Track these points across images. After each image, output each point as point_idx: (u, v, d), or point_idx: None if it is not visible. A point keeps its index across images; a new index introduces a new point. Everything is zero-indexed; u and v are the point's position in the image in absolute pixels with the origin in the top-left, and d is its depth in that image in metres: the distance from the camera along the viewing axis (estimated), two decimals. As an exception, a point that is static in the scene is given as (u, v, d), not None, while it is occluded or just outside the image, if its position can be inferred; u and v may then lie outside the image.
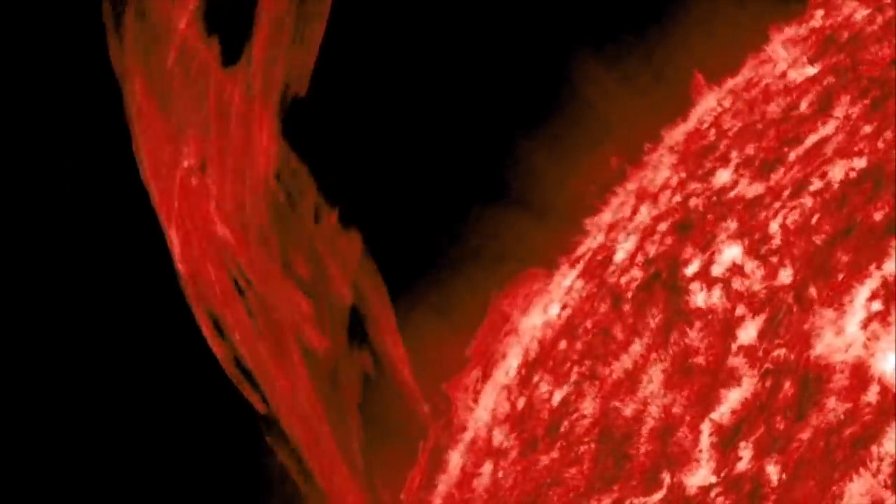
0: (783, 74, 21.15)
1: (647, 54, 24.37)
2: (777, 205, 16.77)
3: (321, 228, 24.81)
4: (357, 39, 23.85)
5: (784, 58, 21.83)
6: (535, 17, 24.06)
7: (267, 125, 24.65)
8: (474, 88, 24.24)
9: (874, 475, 11.62)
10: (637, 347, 17.31)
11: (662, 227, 19.73)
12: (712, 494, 13.64)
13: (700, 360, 15.55)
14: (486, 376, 22.77)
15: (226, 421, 23.46)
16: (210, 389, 23.72)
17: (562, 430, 17.79)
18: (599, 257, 21.43)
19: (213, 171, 24.75)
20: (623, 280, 19.52)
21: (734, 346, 15.13)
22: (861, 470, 11.81)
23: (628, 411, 16.18)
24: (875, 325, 12.97)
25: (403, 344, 24.46)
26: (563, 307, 21.28)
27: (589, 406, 17.33)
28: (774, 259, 15.78)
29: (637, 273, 19.16)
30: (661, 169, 22.70)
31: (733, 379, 14.62)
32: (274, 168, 24.71)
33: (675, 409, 15.19)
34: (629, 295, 18.83)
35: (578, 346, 19.27)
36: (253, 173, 24.72)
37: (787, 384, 13.53)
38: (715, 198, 18.87)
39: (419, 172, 24.28)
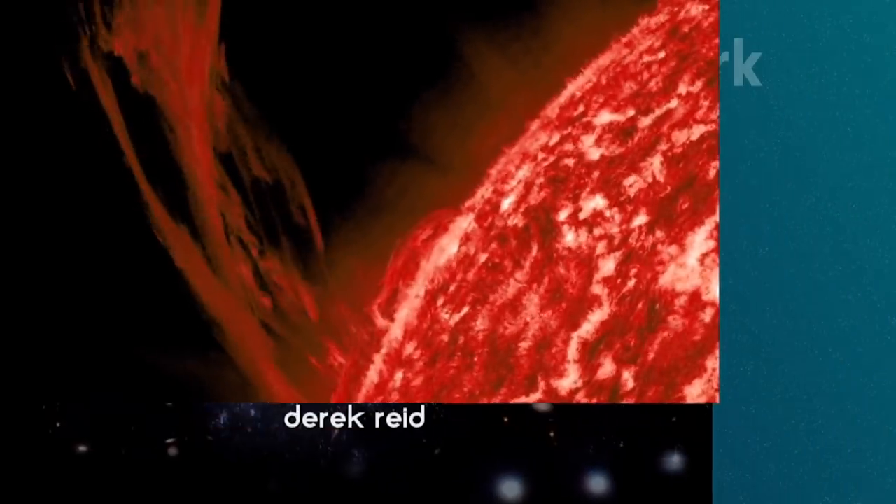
0: (639, 58, 20.93)
1: (527, 42, 24.11)
2: (632, 163, 16.58)
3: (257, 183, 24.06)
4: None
5: (639, 44, 21.59)
6: (438, 12, 23.56)
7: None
8: (391, 74, 23.66)
9: (708, 380, 11.53)
10: (519, 277, 17.07)
11: (540, 181, 19.47)
12: (579, 395, 13.47)
13: (569, 288, 15.35)
14: (398, 301, 22.42)
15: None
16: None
17: (459, 343, 17.53)
18: (490, 205, 21.12)
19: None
20: (509, 223, 19.24)
21: (597, 277, 14.95)
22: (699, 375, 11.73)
23: (512, 329, 15.95)
24: (709, 260, 12.86)
25: (332, 276, 23.99)
26: (461, 245, 20.98)
27: (481, 325, 17.11)
28: (630, 207, 15.58)
29: (520, 218, 18.90)
30: (539, 134, 22.41)
31: (596, 303, 14.45)
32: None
33: (549, 328, 14.99)
34: (513, 236, 18.56)
35: (472, 276, 19.00)
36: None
37: (639, 306, 13.37)
38: (583, 158, 18.62)
39: (345, 141, 23.70)
